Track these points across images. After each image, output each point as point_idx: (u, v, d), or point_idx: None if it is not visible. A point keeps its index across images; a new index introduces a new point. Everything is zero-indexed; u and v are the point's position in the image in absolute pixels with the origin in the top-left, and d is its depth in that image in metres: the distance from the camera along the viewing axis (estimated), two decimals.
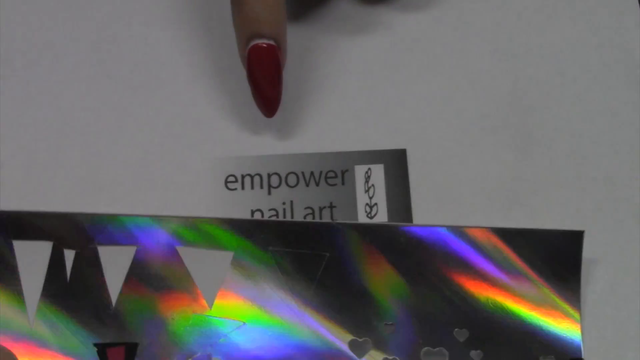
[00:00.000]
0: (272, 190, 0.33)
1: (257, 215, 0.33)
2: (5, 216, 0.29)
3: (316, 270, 0.30)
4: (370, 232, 0.30)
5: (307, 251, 0.30)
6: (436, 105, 0.35)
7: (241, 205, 0.33)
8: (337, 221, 0.31)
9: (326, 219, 0.33)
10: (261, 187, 0.33)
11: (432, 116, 0.35)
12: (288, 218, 0.33)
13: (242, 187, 0.33)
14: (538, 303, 0.30)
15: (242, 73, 0.32)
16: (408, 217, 0.33)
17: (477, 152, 0.34)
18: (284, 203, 0.33)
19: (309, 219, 0.33)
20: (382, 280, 0.30)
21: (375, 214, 0.33)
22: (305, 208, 0.33)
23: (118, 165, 0.34)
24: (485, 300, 0.30)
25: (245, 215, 0.33)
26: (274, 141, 0.34)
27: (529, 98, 0.35)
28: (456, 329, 0.30)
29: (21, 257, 0.28)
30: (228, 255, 0.30)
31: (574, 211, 0.33)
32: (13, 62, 0.36)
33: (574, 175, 0.33)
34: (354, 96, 0.35)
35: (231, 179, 0.33)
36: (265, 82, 0.32)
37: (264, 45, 0.31)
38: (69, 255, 0.28)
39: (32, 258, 0.28)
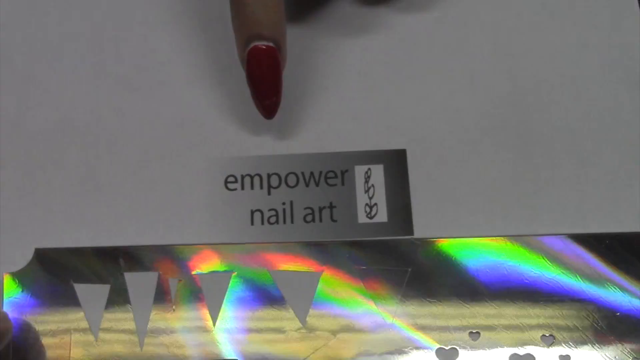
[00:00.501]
0: (272, 190, 0.33)
1: (257, 216, 0.33)
2: (116, 250, 0.32)
3: (400, 285, 0.31)
4: (446, 245, 0.31)
5: (391, 267, 0.31)
6: (436, 105, 0.35)
7: (241, 206, 0.33)
8: (416, 237, 0.32)
9: (326, 219, 0.33)
10: (261, 187, 0.33)
11: (432, 116, 0.35)
12: (288, 219, 0.33)
13: (242, 187, 0.33)
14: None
15: (242, 73, 0.32)
16: (408, 217, 0.33)
17: (477, 152, 0.34)
18: (283, 203, 0.33)
19: (309, 219, 0.33)
20: (464, 289, 0.31)
21: (375, 214, 0.33)
22: (305, 208, 0.33)
23: (118, 165, 0.34)
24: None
25: (246, 215, 0.33)
26: (274, 141, 0.34)
27: (529, 98, 0.35)
28: (542, 334, 0.30)
29: (132, 287, 0.31)
30: (316, 276, 0.31)
31: (574, 211, 0.33)
32: (13, 62, 0.36)
33: (574, 175, 0.33)
34: (354, 96, 0.35)
35: (231, 179, 0.33)
36: (264, 84, 0.32)
37: (264, 47, 0.31)
38: (173, 283, 0.31)
39: (142, 287, 0.31)
